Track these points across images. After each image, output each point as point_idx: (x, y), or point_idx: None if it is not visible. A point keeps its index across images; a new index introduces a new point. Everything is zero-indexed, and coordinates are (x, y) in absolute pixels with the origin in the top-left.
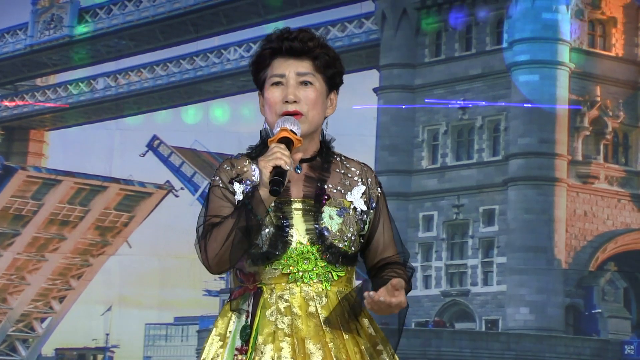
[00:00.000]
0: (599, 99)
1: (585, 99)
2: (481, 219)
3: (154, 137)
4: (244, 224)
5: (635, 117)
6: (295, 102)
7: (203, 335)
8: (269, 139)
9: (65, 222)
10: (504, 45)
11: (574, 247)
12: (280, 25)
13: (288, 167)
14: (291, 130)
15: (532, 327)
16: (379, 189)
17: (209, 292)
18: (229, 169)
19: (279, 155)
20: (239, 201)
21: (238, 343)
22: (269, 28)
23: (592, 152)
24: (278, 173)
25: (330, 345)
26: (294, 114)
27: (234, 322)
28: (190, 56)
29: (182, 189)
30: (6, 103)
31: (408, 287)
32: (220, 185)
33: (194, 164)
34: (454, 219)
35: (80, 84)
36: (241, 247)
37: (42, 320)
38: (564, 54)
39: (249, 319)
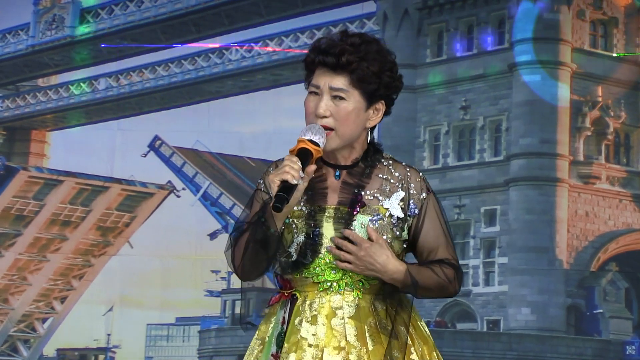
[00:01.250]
0: (600, 99)
1: (587, 99)
2: (482, 219)
3: (156, 138)
4: (256, 237)
5: (637, 117)
6: (325, 116)
7: (204, 335)
8: (290, 149)
9: (66, 223)
10: (506, 45)
11: (576, 247)
12: (279, 26)
13: (295, 181)
14: (310, 140)
15: (534, 327)
16: (424, 193)
17: (211, 293)
18: (273, 171)
19: (287, 170)
20: (256, 212)
21: (273, 349)
22: (271, 28)
23: (594, 152)
24: (284, 188)
25: (352, 357)
26: (325, 128)
27: (272, 327)
28: (192, 56)
29: (183, 189)
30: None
31: (449, 285)
32: (262, 189)
33: (195, 165)
34: (456, 219)
35: (81, 84)
36: (259, 259)
37: (44, 320)
38: (566, 54)
39: (285, 325)
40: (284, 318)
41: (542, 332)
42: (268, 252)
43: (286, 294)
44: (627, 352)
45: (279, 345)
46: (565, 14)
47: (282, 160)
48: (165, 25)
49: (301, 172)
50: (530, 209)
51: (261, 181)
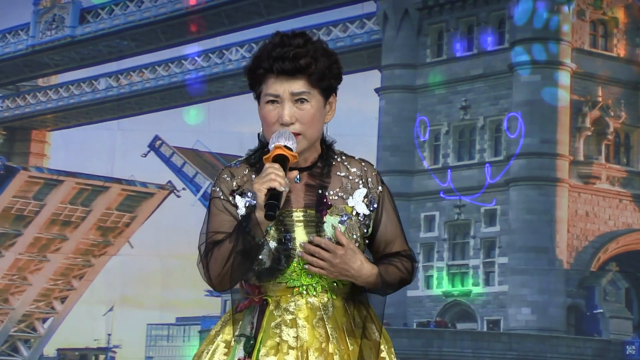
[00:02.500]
0: (600, 99)
1: (587, 99)
2: (483, 219)
3: (156, 138)
4: (241, 247)
5: (637, 117)
6: (291, 123)
7: (205, 335)
8: (264, 157)
9: (67, 223)
10: (506, 45)
11: (576, 247)
12: (280, 26)
13: (283, 188)
14: (285, 146)
15: (534, 327)
16: (379, 187)
17: (211, 293)
18: (229, 179)
19: (272, 177)
20: (241, 216)
21: (240, 354)
22: (271, 28)
23: (594, 152)
24: (272, 196)
25: (336, 357)
26: None
27: (239, 332)
28: (192, 57)
29: (183, 189)
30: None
31: (408, 278)
32: (221, 197)
33: (195, 165)
34: (456, 219)
35: (82, 84)
36: (241, 269)
37: (44, 320)
38: (566, 54)
39: (253, 331)
40: (252, 323)
41: (542, 332)
42: (252, 261)
43: (256, 300)
44: (627, 352)
45: (247, 350)
46: (565, 14)
47: (235, 165)
48: (165, 26)
49: (285, 179)
50: (531, 209)
51: (217, 188)
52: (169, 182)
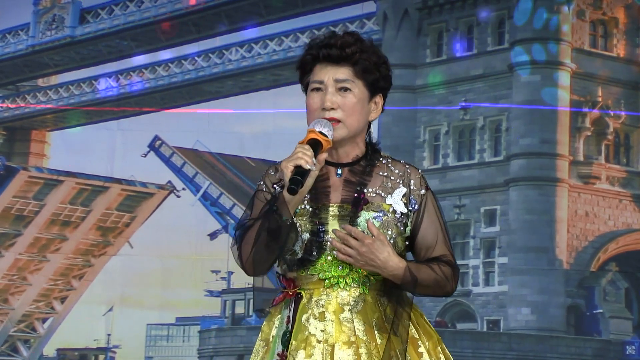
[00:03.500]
0: (600, 99)
1: (587, 99)
2: (482, 219)
3: (156, 138)
4: (268, 225)
5: (637, 117)
6: (332, 109)
7: (204, 335)
8: (299, 142)
9: (66, 223)
10: (506, 45)
11: (576, 247)
12: (280, 26)
13: (309, 167)
14: (320, 132)
15: (534, 327)
16: (423, 190)
17: (211, 293)
18: (274, 173)
19: (299, 155)
20: (266, 202)
21: (279, 348)
22: (271, 29)
23: (594, 152)
24: (298, 173)
25: (362, 350)
26: (331, 120)
27: (276, 327)
28: (192, 57)
29: (183, 189)
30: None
31: (446, 282)
32: (264, 189)
33: (195, 165)
34: (456, 219)
35: (81, 84)
36: (269, 249)
37: (44, 320)
38: (566, 54)
39: (290, 324)
40: (288, 317)
41: (542, 332)
42: (279, 242)
43: (290, 293)
44: (627, 352)
45: (285, 344)
46: (565, 14)
47: (279, 163)
48: (164, 26)
49: (314, 159)
50: (530, 209)
51: (261, 182)
52: (169, 182)
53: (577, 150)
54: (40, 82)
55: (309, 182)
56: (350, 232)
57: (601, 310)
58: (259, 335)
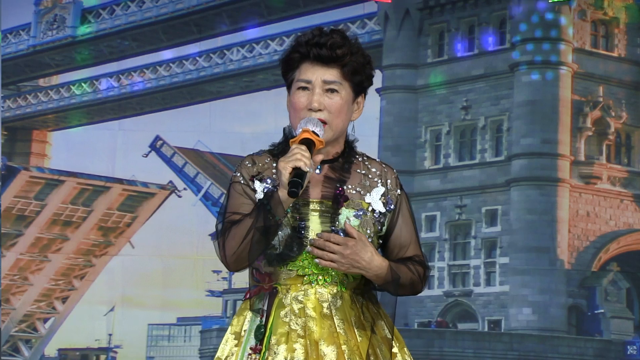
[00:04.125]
0: (601, 99)
1: (588, 99)
2: (484, 219)
3: (157, 138)
4: (262, 224)
5: (638, 117)
6: (319, 110)
7: (206, 335)
8: (291, 140)
9: (68, 223)
10: (507, 45)
11: (577, 247)
12: (281, 26)
13: (308, 169)
14: (313, 132)
15: (535, 327)
16: (398, 190)
17: (212, 293)
18: (250, 165)
19: (298, 157)
20: (259, 200)
21: (252, 342)
22: (272, 29)
23: (595, 152)
24: (297, 174)
25: (344, 347)
26: None
27: (249, 321)
28: (193, 57)
29: (185, 189)
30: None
31: (419, 282)
32: (241, 181)
33: (196, 165)
34: (457, 219)
35: (83, 84)
36: (259, 247)
37: (45, 320)
38: (567, 54)
39: (264, 319)
40: (262, 311)
41: (543, 332)
42: (269, 240)
43: (266, 287)
44: (629, 352)
45: (258, 338)
46: (566, 14)
47: (257, 153)
48: (167, 26)
49: (310, 160)
50: (532, 209)
51: (238, 173)
52: (170, 182)
53: (578, 150)
54: (42, 82)
55: (305, 182)
56: (329, 238)
57: (602, 311)
58: (229, 329)
